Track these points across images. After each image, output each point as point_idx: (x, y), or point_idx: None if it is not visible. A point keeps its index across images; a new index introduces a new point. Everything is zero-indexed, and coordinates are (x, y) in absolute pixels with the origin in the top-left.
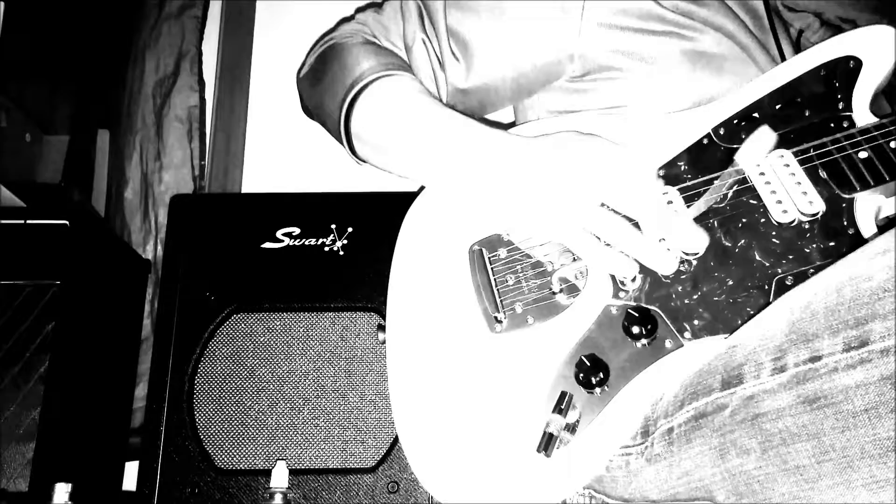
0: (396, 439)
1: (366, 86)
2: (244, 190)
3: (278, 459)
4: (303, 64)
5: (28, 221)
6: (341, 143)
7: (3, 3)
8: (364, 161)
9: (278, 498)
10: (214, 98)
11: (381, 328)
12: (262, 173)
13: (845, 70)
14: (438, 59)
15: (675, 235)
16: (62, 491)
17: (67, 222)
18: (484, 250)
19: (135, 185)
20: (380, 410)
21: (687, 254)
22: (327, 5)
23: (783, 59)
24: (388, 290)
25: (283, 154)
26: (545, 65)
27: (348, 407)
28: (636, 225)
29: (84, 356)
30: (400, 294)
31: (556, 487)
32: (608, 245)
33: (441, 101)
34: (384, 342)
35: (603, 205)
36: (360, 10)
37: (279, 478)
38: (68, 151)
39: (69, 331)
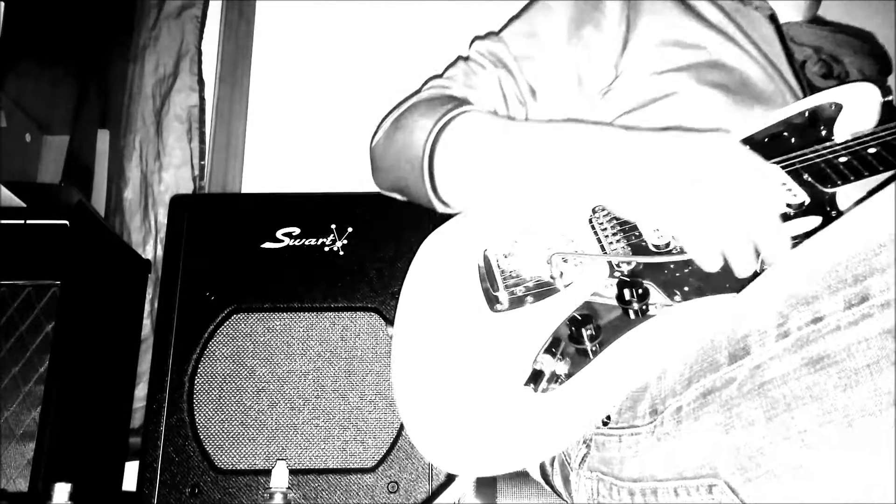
0: (396, 439)
1: (449, 122)
2: (244, 190)
3: (278, 459)
4: (374, 134)
5: (28, 221)
6: (424, 186)
7: (2, 3)
8: (446, 203)
9: (278, 498)
10: (214, 98)
11: (390, 323)
12: (262, 173)
13: (826, 111)
14: (517, 97)
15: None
16: (62, 491)
17: (67, 222)
18: (493, 253)
19: (135, 184)
20: (380, 410)
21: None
22: (327, 5)
23: (798, 79)
24: (401, 292)
25: (282, 154)
26: (598, 83)
27: (348, 407)
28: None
29: (84, 356)
30: (411, 295)
31: (546, 438)
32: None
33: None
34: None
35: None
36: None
37: (279, 478)
38: (68, 151)
39: (69, 331)
